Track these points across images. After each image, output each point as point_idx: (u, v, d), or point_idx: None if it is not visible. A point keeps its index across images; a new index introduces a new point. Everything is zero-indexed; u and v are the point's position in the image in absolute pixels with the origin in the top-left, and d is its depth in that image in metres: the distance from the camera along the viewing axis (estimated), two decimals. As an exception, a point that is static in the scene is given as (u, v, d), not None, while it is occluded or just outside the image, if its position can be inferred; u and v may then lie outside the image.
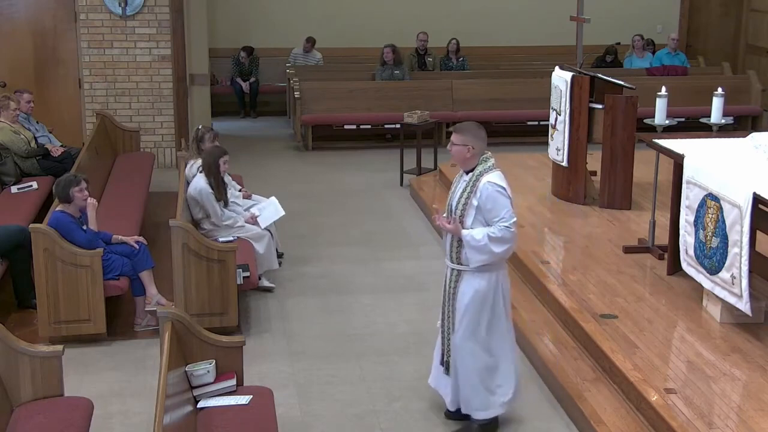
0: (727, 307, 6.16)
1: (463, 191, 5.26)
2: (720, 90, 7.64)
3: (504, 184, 5.22)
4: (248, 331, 6.95)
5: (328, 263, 8.43)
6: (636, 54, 14.98)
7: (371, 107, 13.18)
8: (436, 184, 10.57)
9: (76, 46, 11.46)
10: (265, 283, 7.75)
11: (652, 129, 7.84)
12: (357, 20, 15.43)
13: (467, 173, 5.30)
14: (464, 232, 5.20)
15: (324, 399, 5.95)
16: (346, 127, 13.29)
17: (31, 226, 6.68)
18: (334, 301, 7.56)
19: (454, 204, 5.32)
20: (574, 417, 5.61)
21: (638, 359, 5.75)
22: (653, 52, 14.96)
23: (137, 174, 9.81)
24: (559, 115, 9.11)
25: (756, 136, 6.89)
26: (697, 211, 6.39)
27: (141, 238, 7.13)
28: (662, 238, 7.46)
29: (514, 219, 5.24)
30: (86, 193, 6.80)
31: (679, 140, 7.30)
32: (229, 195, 7.78)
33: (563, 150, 9.07)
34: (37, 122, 10.18)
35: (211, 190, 7.48)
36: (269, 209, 7.97)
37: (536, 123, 12.96)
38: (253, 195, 8.45)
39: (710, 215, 6.20)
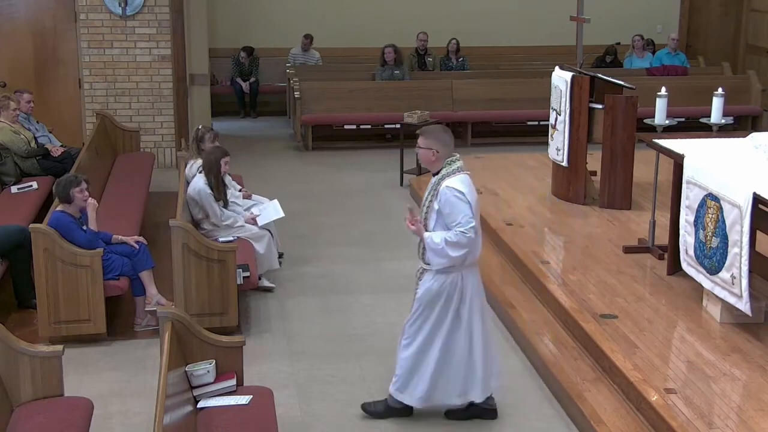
0: (727, 307, 6.16)
1: (428, 194, 5.37)
2: (720, 90, 7.64)
3: (464, 188, 5.26)
4: (248, 331, 6.95)
5: (328, 263, 8.43)
6: (636, 54, 14.98)
7: (371, 107, 13.18)
8: (436, 184, 10.56)
9: (76, 46, 11.46)
10: (265, 283, 7.75)
11: (652, 129, 7.85)
12: (357, 20, 15.42)
13: (434, 176, 5.36)
14: (425, 234, 5.31)
15: (324, 399, 5.95)
16: (346, 127, 13.28)
17: (31, 226, 6.68)
18: (334, 301, 7.56)
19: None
20: (574, 417, 5.61)
21: (638, 359, 5.75)
22: (653, 52, 14.95)
23: (137, 174, 9.81)
24: (559, 115, 9.11)
25: (756, 136, 6.89)
26: (697, 211, 6.39)
27: (141, 238, 7.13)
28: (662, 238, 7.46)
29: (472, 224, 5.24)
30: (87, 193, 6.80)
31: (679, 140, 7.30)
32: (229, 195, 7.77)
33: (563, 150, 9.08)
34: (37, 122, 10.19)
35: (210, 191, 7.48)
36: (269, 209, 7.97)
37: (536, 123, 12.95)
38: (254, 195, 8.45)
39: (710, 215, 6.20)
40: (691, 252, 6.49)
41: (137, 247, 6.99)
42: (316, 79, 13.81)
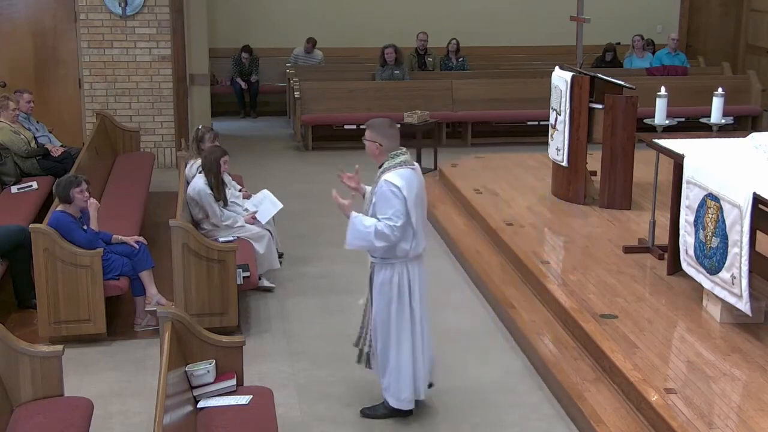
0: (727, 307, 6.16)
1: (372, 187, 5.47)
2: (720, 90, 7.64)
3: (401, 183, 5.29)
4: (248, 331, 6.95)
5: (328, 263, 8.43)
6: (636, 54, 14.98)
7: (371, 107, 13.16)
8: (435, 184, 10.56)
9: (76, 46, 11.46)
10: (265, 283, 7.75)
11: (652, 129, 7.84)
12: (357, 20, 15.43)
13: (378, 168, 5.44)
14: (354, 213, 5.37)
15: (324, 399, 5.95)
16: (346, 127, 13.27)
17: (31, 226, 6.68)
18: (334, 301, 7.56)
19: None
20: (574, 417, 5.61)
21: (638, 359, 5.75)
22: (653, 52, 14.95)
23: (137, 174, 9.81)
24: (559, 115, 9.11)
25: (756, 136, 6.88)
26: (697, 211, 6.39)
27: (141, 238, 7.13)
28: (662, 238, 7.45)
29: (401, 222, 5.25)
30: (87, 194, 6.81)
31: (679, 140, 7.30)
32: (228, 195, 7.78)
33: (563, 150, 9.07)
34: (37, 122, 10.19)
35: (209, 191, 7.48)
36: (265, 203, 7.95)
37: (536, 123, 12.96)
38: (253, 195, 8.44)
39: (710, 215, 6.20)
40: (691, 252, 6.49)
41: (137, 247, 6.99)
42: (316, 79, 13.82)
